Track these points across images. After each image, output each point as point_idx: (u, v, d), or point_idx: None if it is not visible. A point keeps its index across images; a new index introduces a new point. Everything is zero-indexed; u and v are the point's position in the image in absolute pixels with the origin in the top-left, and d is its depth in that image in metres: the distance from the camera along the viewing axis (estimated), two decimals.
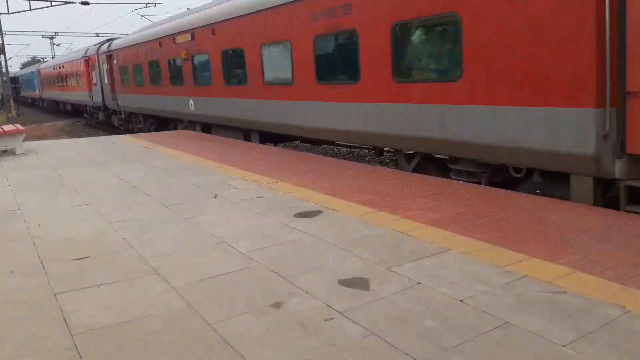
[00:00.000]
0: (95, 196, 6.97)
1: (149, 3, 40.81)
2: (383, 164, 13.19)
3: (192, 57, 14.91)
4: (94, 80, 25.76)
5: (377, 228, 5.03)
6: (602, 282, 3.56)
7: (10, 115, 34.82)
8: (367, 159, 14.07)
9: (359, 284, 3.75)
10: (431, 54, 7.40)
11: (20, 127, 12.68)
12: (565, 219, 4.99)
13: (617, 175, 5.46)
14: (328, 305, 3.42)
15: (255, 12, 11.44)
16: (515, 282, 3.65)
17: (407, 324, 3.13)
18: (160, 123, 19.27)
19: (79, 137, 22.71)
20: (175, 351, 2.93)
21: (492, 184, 7.03)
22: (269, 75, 11.35)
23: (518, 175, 6.59)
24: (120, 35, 25.76)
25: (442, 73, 7.20)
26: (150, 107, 19.03)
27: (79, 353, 2.95)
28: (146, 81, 18.88)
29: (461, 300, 3.40)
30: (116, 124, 24.34)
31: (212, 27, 13.45)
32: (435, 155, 7.97)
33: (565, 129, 5.69)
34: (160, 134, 15.08)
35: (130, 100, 21.26)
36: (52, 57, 58.45)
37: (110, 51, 22.50)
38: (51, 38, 64.65)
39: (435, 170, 7.99)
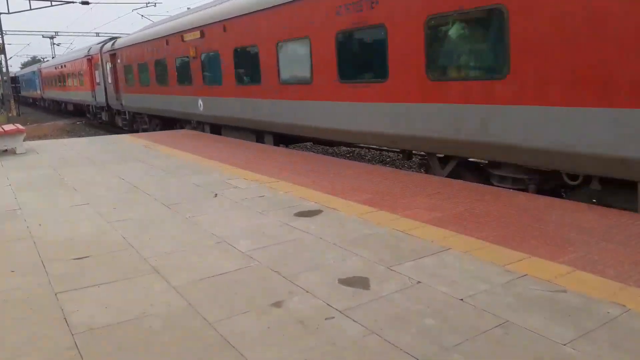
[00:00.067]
0: (96, 196, 6.98)
1: (149, 3, 40.78)
2: (384, 163, 13.19)
3: (202, 55, 14.38)
4: (97, 80, 25.37)
5: (377, 227, 5.03)
6: (602, 281, 3.56)
7: (10, 115, 34.83)
8: (367, 158, 14.06)
9: (359, 283, 3.75)
10: (472, 50, 6.74)
11: (20, 126, 12.68)
12: (565, 218, 4.99)
13: None
14: (328, 305, 3.42)
15: (270, 7, 10.86)
16: (515, 281, 3.65)
17: (407, 323, 3.13)
18: (166, 124, 18.77)
19: (80, 136, 22.71)
20: (175, 350, 2.93)
21: (540, 191, 6.55)
22: (286, 73, 10.80)
23: (573, 183, 6.04)
24: (121, 35, 25.52)
25: (485, 71, 6.59)
26: (157, 107, 18.49)
27: (79, 352, 2.95)
28: (152, 80, 18.35)
29: (461, 299, 3.40)
30: (120, 125, 23.87)
31: (224, 24, 12.90)
32: (473, 160, 7.45)
33: (637, 133, 5.13)
34: (160, 134, 15.08)
35: (135, 100, 20.74)
36: (53, 57, 58.45)
37: (114, 50, 22.03)
38: (51, 38, 64.62)
39: (473, 175, 7.45)
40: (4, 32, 34.94)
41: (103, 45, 24.06)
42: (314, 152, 14.76)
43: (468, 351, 2.79)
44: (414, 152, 8.91)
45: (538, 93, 5.96)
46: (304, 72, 10.13)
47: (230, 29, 12.69)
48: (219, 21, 13.10)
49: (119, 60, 21.76)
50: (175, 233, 5.15)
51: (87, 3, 34.11)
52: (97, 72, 25.30)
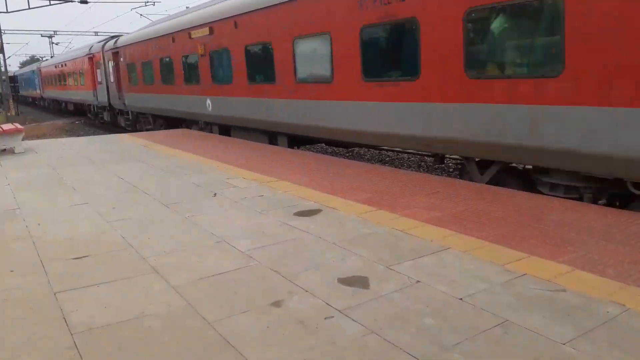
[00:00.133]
0: (95, 195, 6.97)
1: (147, 2, 40.71)
2: (383, 162, 13.19)
3: (210, 53, 13.75)
4: (99, 79, 24.86)
5: (376, 226, 5.03)
6: (602, 280, 3.56)
7: (9, 114, 34.79)
8: (366, 157, 14.06)
9: (358, 282, 3.75)
10: (519, 44, 6.17)
11: (19, 126, 12.67)
12: (565, 218, 4.99)
13: None
14: (328, 304, 3.42)
15: (287, 1, 10.24)
16: (514, 280, 3.65)
17: (406, 322, 3.13)
18: (171, 124, 18.11)
19: (78, 136, 22.70)
20: (175, 350, 2.93)
21: (595, 201, 6.06)
22: (303, 72, 10.17)
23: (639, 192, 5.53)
24: (120, 34, 25.22)
25: (535, 67, 5.99)
26: (162, 107, 17.84)
27: (79, 352, 2.95)
28: (157, 79, 17.69)
29: (461, 299, 3.40)
30: (123, 125, 23.35)
31: (235, 20, 12.30)
32: (515, 165, 6.91)
33: None
34: (160, 133, 15.06)
35: (138, 100, 20.13)
36: (51, 56, 58.38)
37: (116, 48, 21.44)
38: (50, 37, 64.58)
39: (517, 182, 6.85)
40: (2, 31, 34.91)
41: (105, 43, 23.47)
42: (314, 152, 14.75)
43: (468, 351, 2.79)
44: (447, 156, 8.18)
45: (600, 92, 5.37)
46: (323, 70, 9.55)
47: (241, 25, 12.11)
48: (230, 17, 12.53)
49: (121, 59, 21.28)
50: (174, 233, 5.15)
51: (86, 2, 34.02)
52: (98, 71, 24.84)
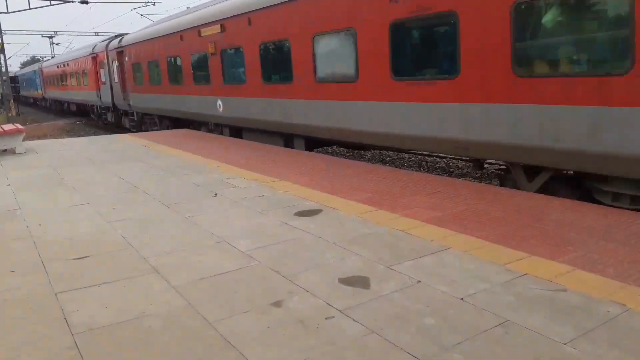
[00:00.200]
0: (95, 195, 6.97)
1: (148, 2, 40.75)
2: (383, 162, 13.19)
3: (222, 51, 13.15)
4: (103, 79, 24.37)
5: (377, 226, 5.03)
6: (602, 280, 3.56)
7: (10, 114, 34.83)
8: (366, 157, 14.06)
9: (359, 282, 3.75)
10: (577, 39, 5.61)
11: (20, 126, 12.68)
12: (565, 217, 4.99)
13: None
14: (328, 304, 3.42)
15: None
16: (515, 280, 3.65)
17: (407, 322, 3.13)
18: (179, 125, 17.53)
19: (79, 136, 22.70)
20: (175, 350, 2.93)
21: None
22: (323, 71, 9.57)
23: None
24: (121, 34, 25.07)
25: (596, 64, 5.47)
26: (169, 107, 17.21)
27: (79, 352, 2.95)
28: (164, 79, 17.02)
29: (461, 299, 3.40)
30: (127, 126, 22.84)
31: (248, 17, 11.67)
32: (567, 172, 6.44)
33: None
34: (160, 133, 15.07)
35: (144, 100, 19.48)
36: (52, 57, 58.41)
37: (121, 47, 20.84)
38: (50, 37, 64.65)
39: (570, 190, 6.38)
40: (3, 31, 34.94)
41: (109, 43, 22.85)
42: (315, 152, 14.75)
43: (468, 350, 2.79)
44: (489, 161, 7.48)
45: None
46: (347, 68, 8.96)
47: (256, 22, 11.48)
48: (243, 13, 11.90)
49: (126, 58, 20.69)
50: (175, 233, 5.15)
51: (87, 2, 34.05)
52: (102, 71, 24.35)
